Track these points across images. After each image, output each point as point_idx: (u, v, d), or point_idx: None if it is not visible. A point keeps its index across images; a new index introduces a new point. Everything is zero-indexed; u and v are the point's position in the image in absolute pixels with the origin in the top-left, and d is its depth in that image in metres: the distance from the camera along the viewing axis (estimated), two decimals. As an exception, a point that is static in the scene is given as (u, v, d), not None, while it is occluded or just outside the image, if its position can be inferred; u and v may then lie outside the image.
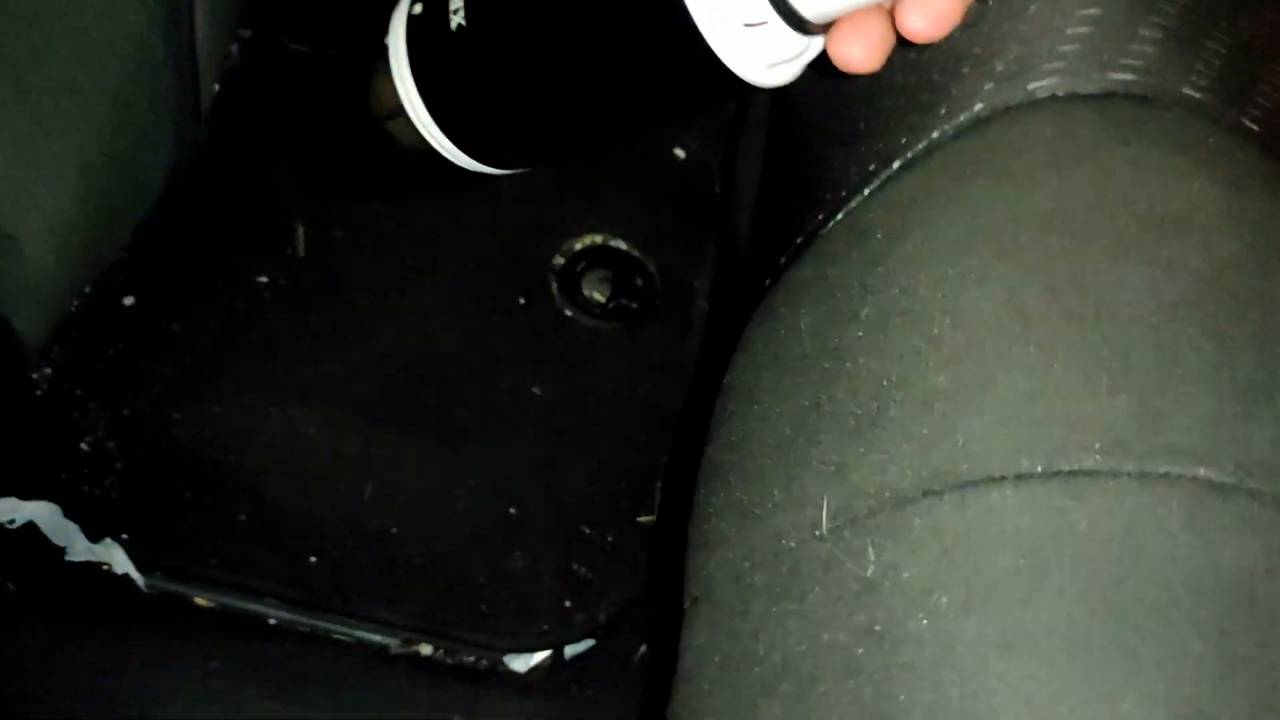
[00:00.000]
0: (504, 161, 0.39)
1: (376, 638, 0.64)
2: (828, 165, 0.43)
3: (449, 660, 0.64)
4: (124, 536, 0.62)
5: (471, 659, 0.64)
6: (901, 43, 0.31)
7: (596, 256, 0.81)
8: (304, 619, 0.63)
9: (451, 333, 0.74)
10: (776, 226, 0.46)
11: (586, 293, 0.79)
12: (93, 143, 0.26)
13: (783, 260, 0.45)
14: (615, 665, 0.64)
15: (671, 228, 0.83)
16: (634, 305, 0.79)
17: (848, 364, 0.33)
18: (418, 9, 0.36)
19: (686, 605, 0.37)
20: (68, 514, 0.61)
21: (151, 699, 0.49)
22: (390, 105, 0.38)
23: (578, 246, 0.81)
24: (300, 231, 0.74)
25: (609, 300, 0.79)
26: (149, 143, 0.28)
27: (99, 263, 0.29)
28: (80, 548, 0.61)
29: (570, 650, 0.65)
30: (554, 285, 0.79)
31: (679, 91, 0.32)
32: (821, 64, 0.31)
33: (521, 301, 0.77)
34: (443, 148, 0.38)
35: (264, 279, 0.72)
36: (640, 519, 0.70)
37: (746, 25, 0.28)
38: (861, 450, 0.30)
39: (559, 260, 0.80)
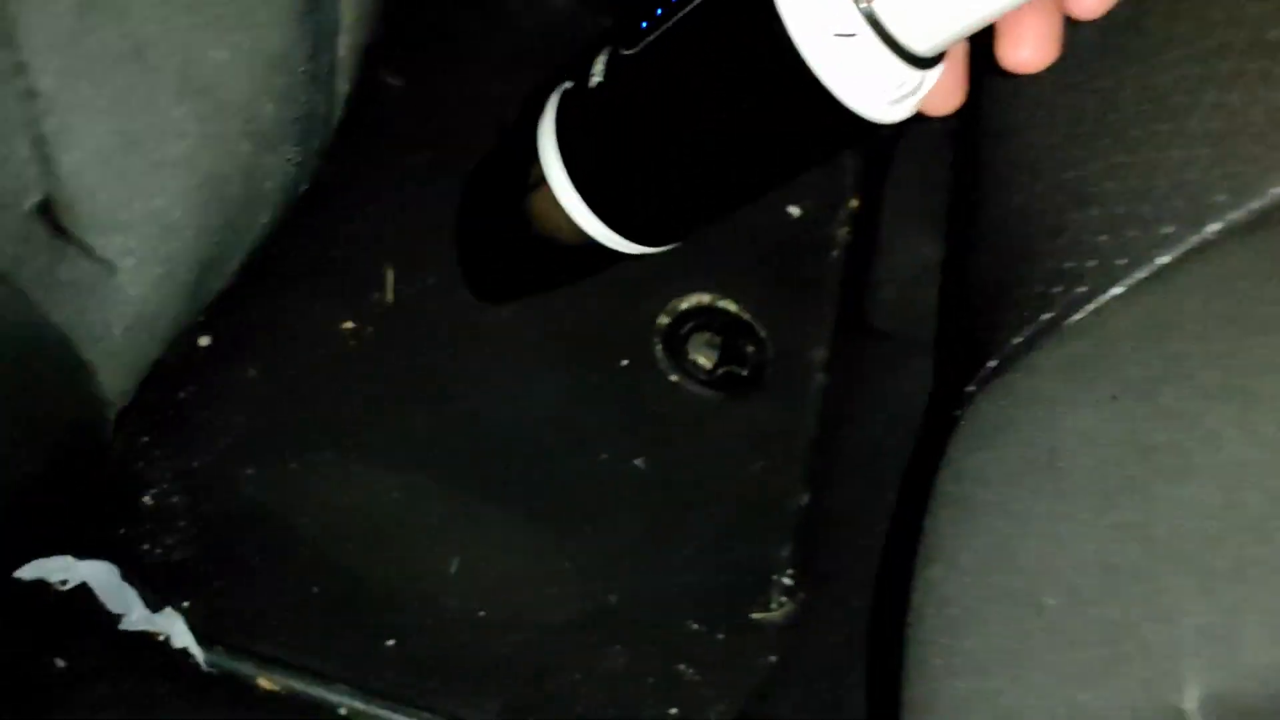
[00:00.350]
0: (635, 229, 0.38)
1: (457, 738, 0.56)
2: (1057, 253, 0.36)
3: (536, 769, 0.56)
4: (185, 605, 0.55)
5: (561, 769, 0.57)
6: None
7: (704, 318, 0.75)
8: (378, 711, 0.56)
9: (547, 395, 0.67)
10: (980, 319, 0.38)
11: (692, 357, 0.73)
12: (218, 148, 0.20)
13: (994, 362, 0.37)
14: (723, 786, 0.56)
15: (785, 291, 0.76)
16: (744, 373, 0.73)
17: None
18: (567, 84, 0.37)
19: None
20: (126, 576, 0.55)
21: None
22: (533, 179, 0.37)
23: (683, 306, 0.75)
24: (390, 277, 0.68)
25: (716, 366, 0.73)
26: (272, 159, 0.22)
27: (202, 300, 0.22)
28: (137, 615, 0.54)
29: (673, 766, 0.57)
30: (658, 347, 0.72)
31: (795, 133, 0.31)
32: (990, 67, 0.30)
33: (624, 364, 0.70)
34: (581, 218, 0.37)
35: (349, 325, 0.66)
36: (755, 616, 0.62)
37: (837, 36, 0.27)
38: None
39: (663, 320, 0.73)
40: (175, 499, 0.58)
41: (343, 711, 0.56)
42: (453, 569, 0.60)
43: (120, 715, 0.46)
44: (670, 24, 0.31)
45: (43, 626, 0.49)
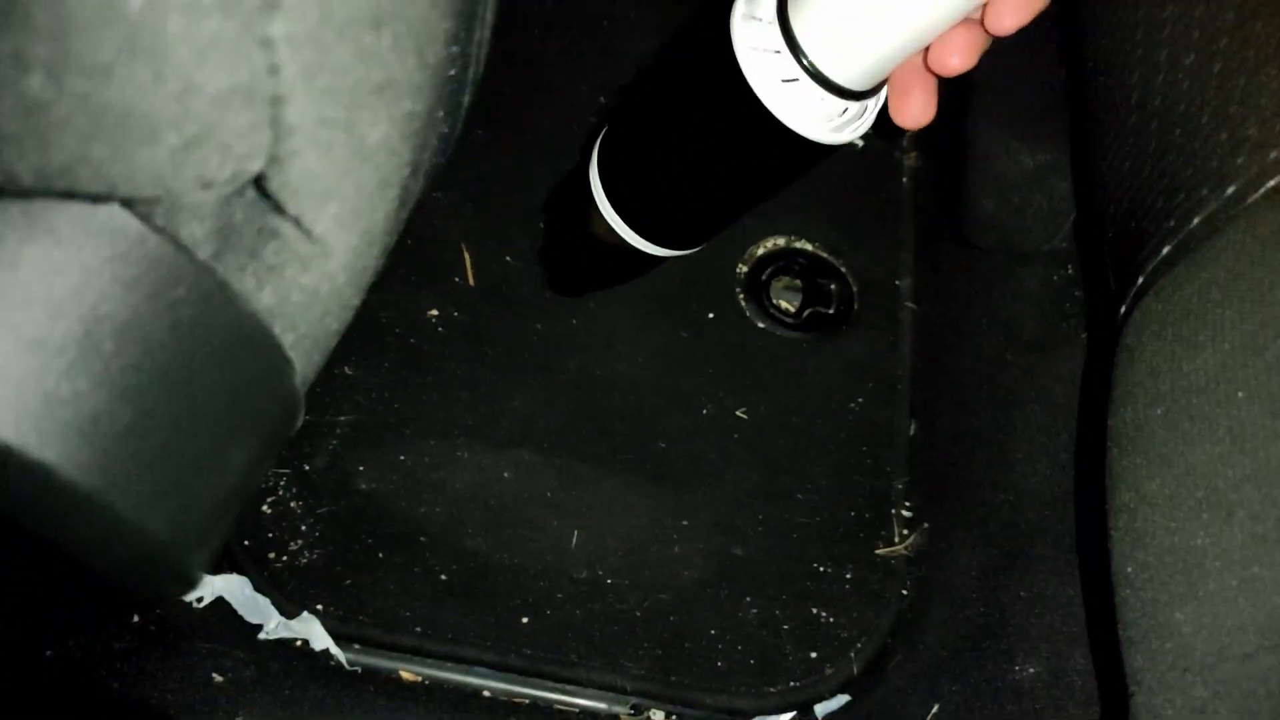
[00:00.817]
0: (661, 237, 0.46)
1: (603, 705, 0.56)
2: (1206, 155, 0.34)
3: (685, 727, 0.56)
4: (319, 607, 0.55)
5: (710, 724, 0.56)
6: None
7: (783, 261, 0.73)
8: (522, 689, 0.56)
9: (639, 357, 0.67)
10: (1130, 224, 0.37)
11: (776, 301, 0.72)
12: (405, 120, 0.19)
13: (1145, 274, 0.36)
14: (875, 723, 0.55)
15: (860, 225, 0.75)
16: (829, 312, 0.71)
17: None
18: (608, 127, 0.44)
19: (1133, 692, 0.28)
20: (258, 586, 0.55)
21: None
22: (585, 199, 0.46)
23: (760, 251, 0.73)
24: (468, 259, 0.68)
25: (801, 308, 0.71)
26: (432, 134, 0.21)
27: (375, 276, 0.21)
28: (275, 624, 0.54)
29: (822, 709, 0.57)
30: (741, 297, 0.71)
31: (766, 160, 0.38)
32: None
33: (710, 317, 0.69)
34: (620, 229, 0.45)
35: (434, 312, 0.66)
36: (880, 552, 0.62)
37: (784, 82, 0.34)
38: None
39: (742, 268, 0.72)
40: (293, 504, 0.58)
41: (486, 694, 0.56)
42: (575, 541, 0.59)
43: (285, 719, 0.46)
44: (658, 70, 0.39)
45: (193, 645, 0.50)
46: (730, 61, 0.35)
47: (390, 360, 0.63)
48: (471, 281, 0.67)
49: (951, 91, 0.68)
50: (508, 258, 0.68)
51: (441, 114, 0.22)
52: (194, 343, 0.20)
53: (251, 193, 0.19)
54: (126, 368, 0.18)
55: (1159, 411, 0.29)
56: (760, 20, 0.34)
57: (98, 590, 0.44)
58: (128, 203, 0.18)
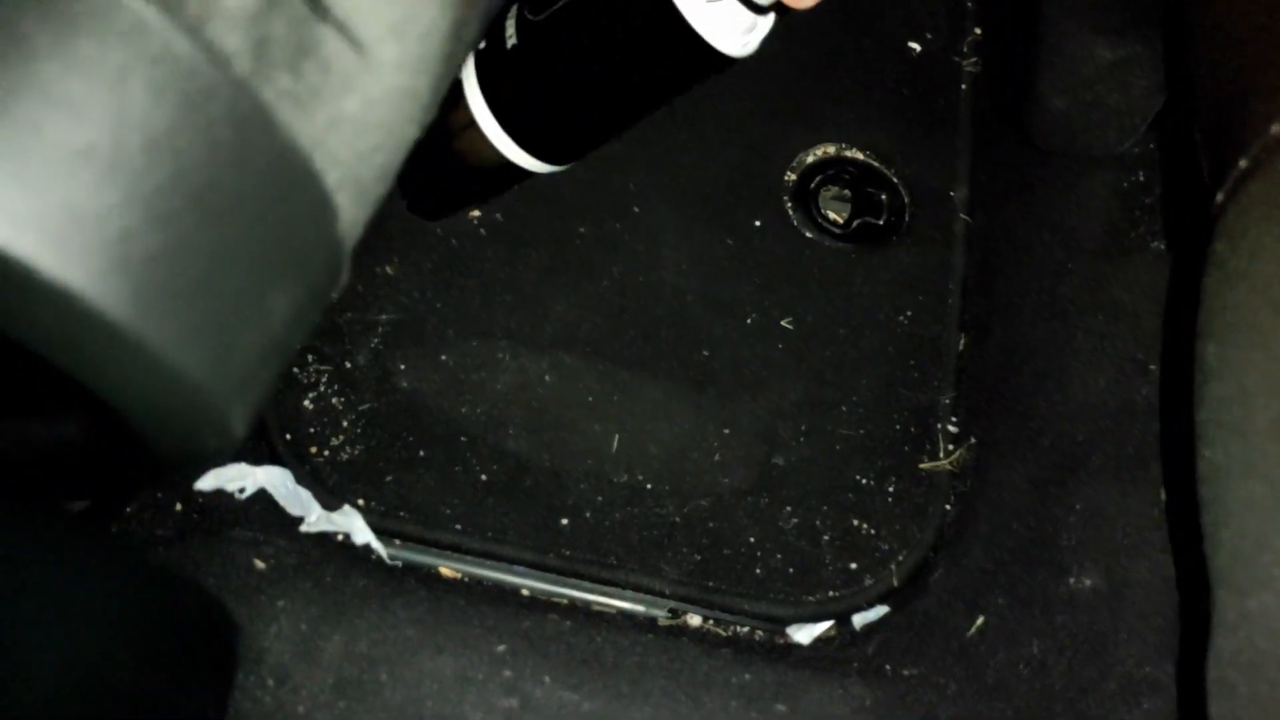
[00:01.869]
0: (554, 156, 0.47)
1: (640, 608, 0.56)
2: None
3: (722, 633, 0.56)
4: (360, 503, 0.56)
5: (747, 630, 0.56)
6: None
7: (833, 169, 0.71)
8: (560, 589, 0.56)
9: (683, 264, 0.65)
10: (1214, 133, 0.34)
11: (825, 211, 0.69)
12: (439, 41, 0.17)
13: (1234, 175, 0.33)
14: (913, 634, 0.54)
15: (914, 132, 0.72)
16: (879, 222, 0.69)
17: None
18: (481, 45, 0.45)
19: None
20: (299, 480, 0.55)
21: (442, 693, 0.42)
22: (460, 124, 0.45)
23: (809, 160, 0.71)
24: (509, 158, 0.66)
25: (850, 219, 0.69)
26: (446, 73, 0.19)
27: (424, 111, 0.20)
28: (316, 516, 0.55)
29: (860, 619, 0.56)
30: (789, 205, 0.69)
31: (674, 72, 0.41)
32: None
33: (757, 225, 0.67)
34: (503, 147, 0.45)
35: (476, 213, 0.64)
36: (924, 466, 0.60)
37: (709, 2, 0.36)
38: None
39: (790, 177, 0.70)
40: (335, 400, 0.58)
41: (525, 592, 0.56)
42: (615, 445, 0.59)
43: (327, 608, 0.46)
44: None
45: (236, 533, 0.50)
46: None
47: (432, 261, 0.62)
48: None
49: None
50: (550, 159, 0.67)
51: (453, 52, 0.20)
52: (230, 168, 0.18)
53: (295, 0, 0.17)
54: (159, 187, 0.17)
55: (1263, 297, 0.27)
56: None
57: (141, 473, 0.44)
58: None
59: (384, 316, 0.60)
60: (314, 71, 0.18)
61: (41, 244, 0.16)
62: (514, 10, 0.43)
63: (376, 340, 0.60)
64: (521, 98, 0.44)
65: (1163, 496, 0.43)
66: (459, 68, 0.21)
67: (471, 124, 0.45)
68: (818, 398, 0.62)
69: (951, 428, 0.62)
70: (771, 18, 0.40)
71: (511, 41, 0.42)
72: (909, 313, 0.65)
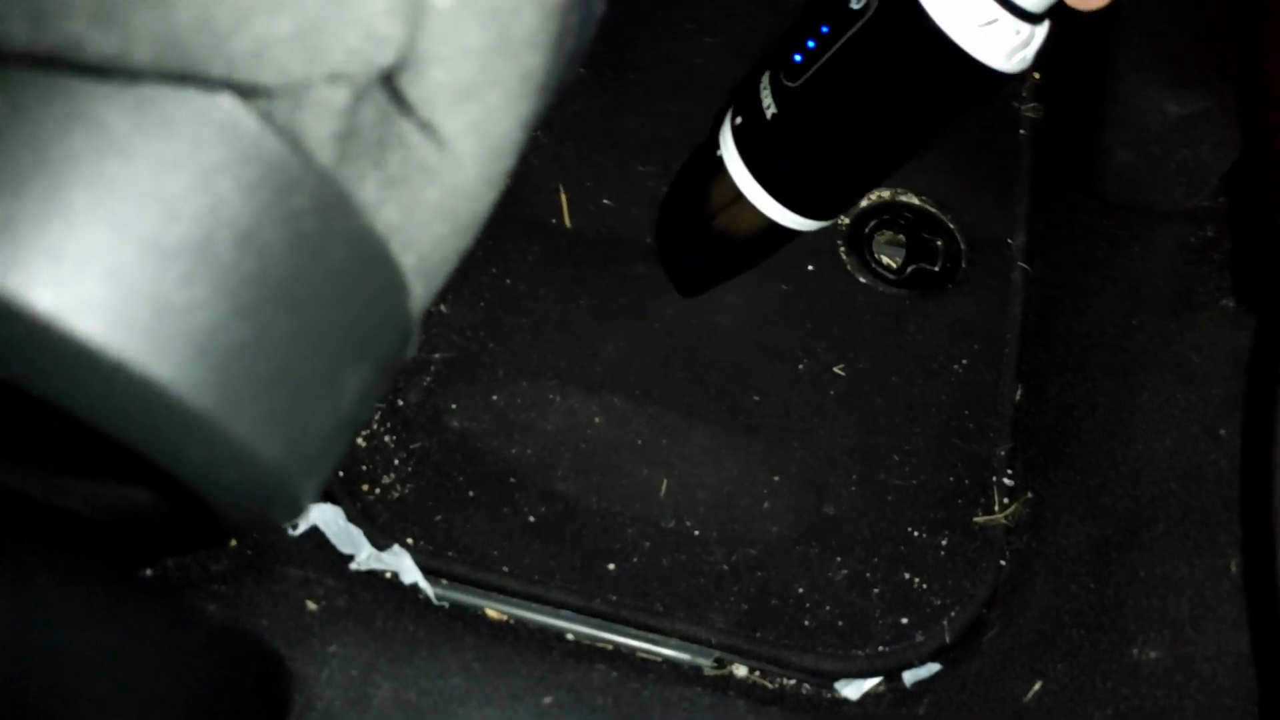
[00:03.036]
0: (826, 212, 0.48)
1: (686, 657, 0.55)
2: None
3: (769, 685, 0.55)
4: (409, 541, 0.56)
5: (794, 683, 0.55)
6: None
7: (887, 214, 0.70)
8: (605, 634, 0.55)
9: (736, 307, 0.65)
10: None
11: (879, 256, 0.69)
12: (551, 14, 0.18)
13: None
14: (965, 694, 0.53)
15: (971, 177, 0.71)
16: (934, 269, 0.68)
17: None
18: (738, 120, 0.46)
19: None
20: (350, 517, 0.56)
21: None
22: (726, 199, 0.47)
23: (864, 204, 0.70)
24: (565, 201, 0.66)
25: (905, 264, 0.68)
26: (559, 57, 0.19)
27: (495, 198, 0.20)
28: (366, 555, 0.55)
29: (911, 676, 0.55)
30: (842, 250, 0.68)
31: (953, 100, 0.40)
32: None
33: (810, 270, 0.67)
34: (778, 216, 0.47)
35: (530, 254, 0.65)
36: (977, 520, 0.59)
37: (982, 25, 0.36)
38: None
39: (844, 221, 0.69)
40: (387, 438, 0.59)
41: (570, 636, 0.56)
42: (664, 490, 0.58)
43: (377, 653, 0.47)
44: (831, 54, 0.39)
45: (287, 571, 0.50)
46: (918, 16, 0.36)
47: (485, 300, 0.63)
48: (568, 223, 0.66)
49: (1087, 32, 0.63)
50: (605, 200, 0.67)
51: (564, 39, 0.20)
52: (312, 257, 0.18)
53: (378, 93, 0.18)
54: (245, 280, 0.17)
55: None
56: None
57: (206, 539, 0.45)
58: (247, 93, 0.16)
59: (436, 355, 0.61)
60: (396, 162, 0.18)
61: (132, 339, 0.16)
62: (765, 80, 0.44)
63: (429, 379, 0.60)
64: (792, 164, 0.44)
65: (1233, 569, 0.41)
66: (524, 147, 0.21)
67: (738, 198, 0.47)
68: (869, 446, 0.61)
69: (1007, 481, 0.61)
70: (1046, 26, 0.38)
71: (771, 111, 0.43)
72: (964, 361, 0.64)
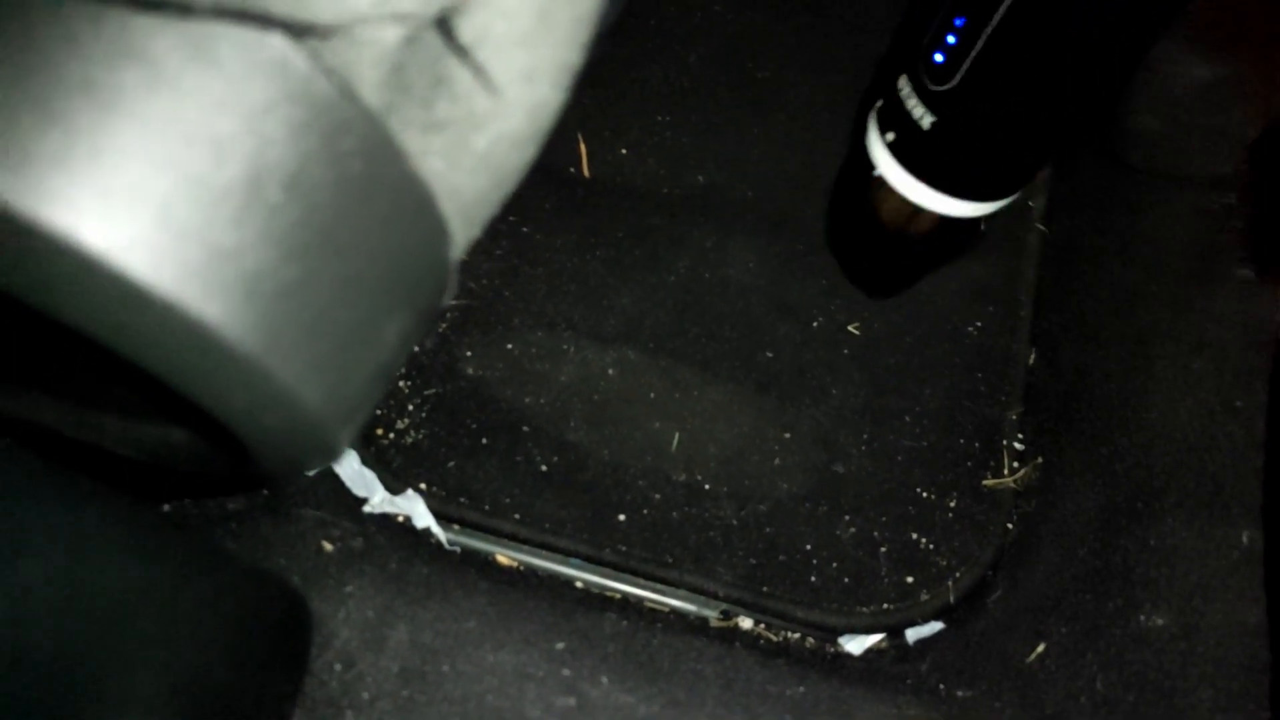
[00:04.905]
0: (1018, 186, 0.47)
1: (692, 608, 0.56)
2: None
3: (774, 637, 0.56)
4: (421, 487, 0.56)
5: (798, 637, 0.56)
6: None
7: (908, 172, 0.69)
8: (614, 584, 0.56)
9: (751, 262, 0.64)
10: None
11: (898, 215, 0.68)
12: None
13: None
14: (968, 654, 0.54)
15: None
16: (954, 229, 0.68)
17: None
18: (890, 136, 0.44)
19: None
20: (365, 461, 0.56)
21: (502, 688, 0.43)
22: (903, 214, 0.46)
23: (886, 161, 0.69)
24: (584, 150, 0.66)
25: (925, 223, 0.68)
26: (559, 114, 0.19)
27: (539, 148, 0.19)
28: (379, 499, 0.55)
29: (913, 634, 0.56)
30: (862, 206, 0.68)
31: (1123, 44, 0.37)
32: None
33: (826, 227, 0.66)
34: (964, 213, 0.45)
35: (548, 202, 0.64)
36: (986, 482, 0.59)
37: None
38: None
39: (865, 177, 0.68)
40: (402, 384, 0.59)
41: (579, 585, 0.56)
42: (675, 443, 0.59)
43: (392, 596, 0.47)
44: (980, 48, 0.37)
45: (303, 512, 0.51)
46: None
47: (502, 248, 0.62)
48: (586, 173, 0.65)
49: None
50: (623, 150, 0.66)
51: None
52: (358, 201, 0.18)
53: (432, 35, 0.17)
54: (293, 223, 0.17)
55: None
56: None
57: (239, 480, 0.45)
58: (299, 32, 0.16)
59: (452, 302, 0.60)
60: (445, 107, 0.18)
61: (182, 279, 0.16)
62: (907, 88, 0.42)
63: (445, 325, 0.60)
64: (968, 164, 0.43)
65: (1244, 540, 0.41)
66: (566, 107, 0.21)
67: (918, 211, 0.46)
68: (881, 406, 0.61)
69: (1018, 445, 0.61)
70: None
71: (929, 120, 0.41)
72: (978, 323, 0.64)
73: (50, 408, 0.23)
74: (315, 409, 0.19)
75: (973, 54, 0.38)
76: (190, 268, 0.16)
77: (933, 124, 0.41)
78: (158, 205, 0.15)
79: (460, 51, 0.17)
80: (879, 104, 0.46)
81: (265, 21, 0.16)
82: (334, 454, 0.22)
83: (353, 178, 0.18)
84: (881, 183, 0.45)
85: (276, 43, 0.16)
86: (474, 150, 0.19)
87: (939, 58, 0.39)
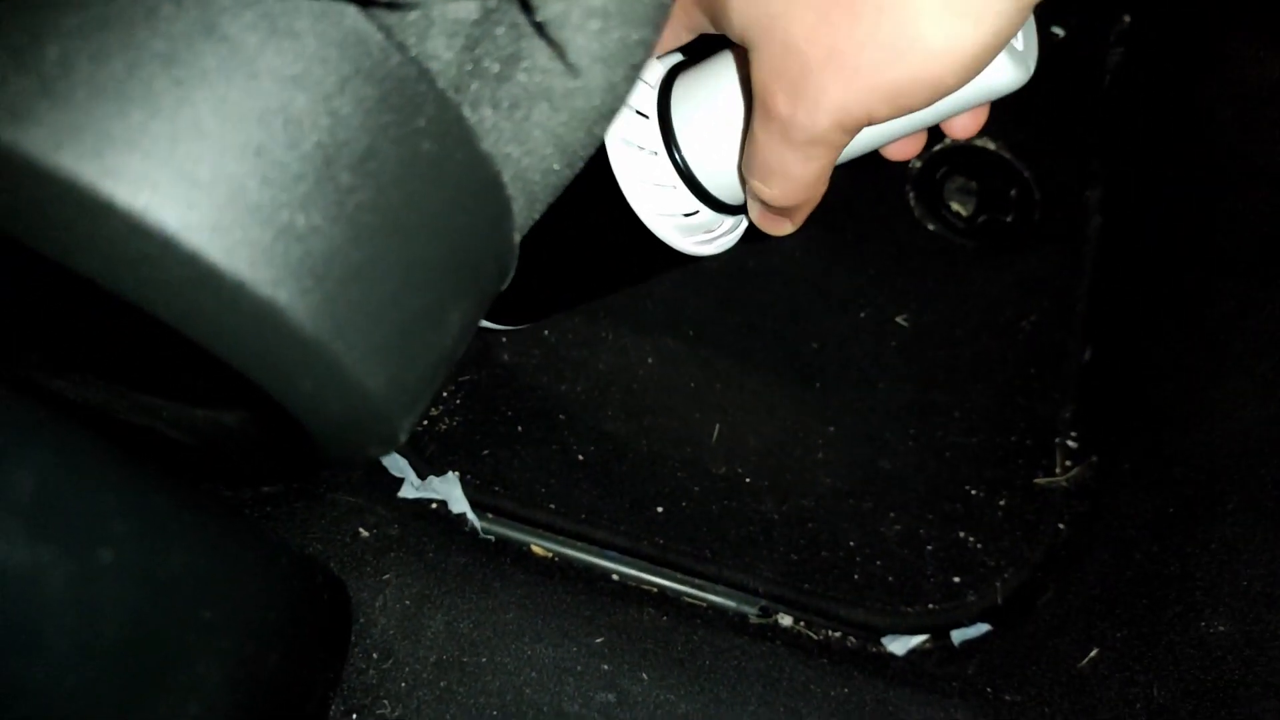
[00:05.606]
0: (511, 319, 0.49)
1: (731, 604, 0.55)
2: None
3: (814, 636, 0.55)
4: (455, 474, 0.55)
5: (840, 635, 0.55)
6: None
7: (959, 159, 0.68)
8: (651, 577, 0.55)
9: (796, 250, 0.63)
10: None
11: (949, 203, 0.66)
12: None
13: None
14: (1017, 658, 0.53)
15: (1050, 124, 0.68)
16: (1007, 219, 0.66)
17: None
18: None
19: None
20: (398, 448, 0.55)
21: (541, 681, 0.42)
22: None
23: (936, 147, 0.68)
24: (625, 131, 0.64)
25: (976, 213, 0.66)
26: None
27: (607, 129, 0.18)
28: (417, 482, 0.54)
29: (959, 635, 0.54)
30: (911, 195, 0.66)
31: (635, 266, 0.39)
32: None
33: (877, 215, 0.65)
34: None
35: (587, 185, 0.63)
36: (1038, 481, 0.58)
37: (684, 215, 0.34)
38: None
39: (915, 164, 0.67)
40: (439, 368, 0.58)
41: (615, 577, 0.55)
42: (715, 435, 0.57)
43: (430, 585, 0.46)
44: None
45: (339, 497, 0.50)
46: (602, 156, 0.34)
47: (535, 231, 0.61)
48: (628, 156, 0.64)
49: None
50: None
51: None
52: (427, 183, 0.17)
53: (512, 9, 0.16)
54: (362, 205, 0.16)
55: None
56: (639, 114, 0.33)
57: (297, 468, 0.45)
58: (379, 5, 0.15)
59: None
60: (520, 84, 0.17)
61: (254, 261, 0.15)
62: None
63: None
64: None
65: (1316, 548, 0.40)
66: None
67: None
68: (929, 401, 0.59)
69: (1070, 443, 0.59)
70: (743, 221, 0.37)
71: None
72: (1033, 318, 0.62)
73: (103, 390, 0.23)
74: (379, 396, 0.18)
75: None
76: (261, 250, 0.15)
77: None
78: (232, 186, 0.15)
79: (540, 26, 0.16)
80: None
81: (343, -5, 0.15)
82: (395, 442, 0.21)
83: (422, 157, 0.17)
84: None
85: (352, 17, 0.15)
86: (547, 129, 0.18)
87: None
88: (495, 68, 0.17)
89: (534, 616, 0.45)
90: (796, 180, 0.31)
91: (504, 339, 0.59)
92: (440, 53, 0.16)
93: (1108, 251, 0.63)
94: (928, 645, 0.54)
